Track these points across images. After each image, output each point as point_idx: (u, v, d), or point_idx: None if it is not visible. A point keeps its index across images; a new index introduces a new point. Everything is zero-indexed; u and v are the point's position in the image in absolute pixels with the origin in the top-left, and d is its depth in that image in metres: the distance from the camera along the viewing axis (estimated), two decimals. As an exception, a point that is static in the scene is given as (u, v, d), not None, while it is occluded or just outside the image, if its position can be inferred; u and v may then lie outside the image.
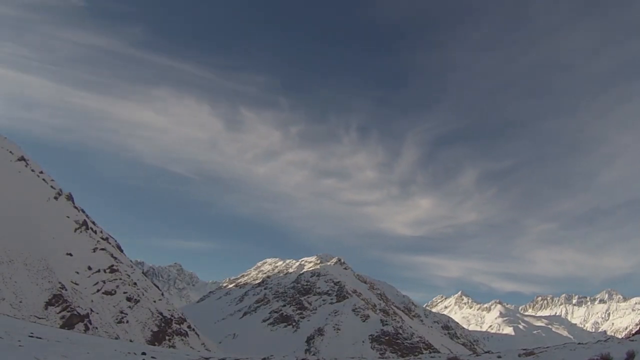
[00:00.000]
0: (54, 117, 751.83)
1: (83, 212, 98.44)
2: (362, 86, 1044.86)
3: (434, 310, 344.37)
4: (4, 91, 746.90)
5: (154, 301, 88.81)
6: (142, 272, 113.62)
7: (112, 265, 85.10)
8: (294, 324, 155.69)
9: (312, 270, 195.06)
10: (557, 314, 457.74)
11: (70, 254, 79.57)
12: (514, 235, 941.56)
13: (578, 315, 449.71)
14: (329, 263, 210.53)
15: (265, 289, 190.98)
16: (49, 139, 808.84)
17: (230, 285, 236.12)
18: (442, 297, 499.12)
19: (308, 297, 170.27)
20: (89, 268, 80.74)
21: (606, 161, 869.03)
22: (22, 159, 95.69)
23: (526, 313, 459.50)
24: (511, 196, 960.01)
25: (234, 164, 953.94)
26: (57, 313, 65.14)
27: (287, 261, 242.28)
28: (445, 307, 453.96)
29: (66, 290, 69.69)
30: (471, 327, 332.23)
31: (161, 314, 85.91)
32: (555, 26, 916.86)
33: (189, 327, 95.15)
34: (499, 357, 23.57)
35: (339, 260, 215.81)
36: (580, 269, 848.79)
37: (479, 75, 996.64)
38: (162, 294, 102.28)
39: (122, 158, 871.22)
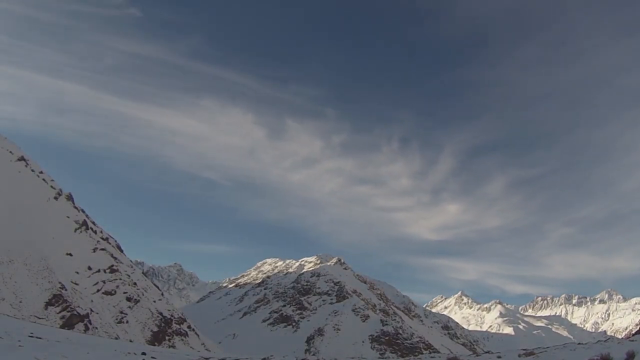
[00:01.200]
0: (88, 123, 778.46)
1: (83, 212, 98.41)
2: (408, 99, 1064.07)
3: (434, 310, 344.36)
4: (40, 97, 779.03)
5: (154, 301, 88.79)
6: (142, 272, 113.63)
7: (112, 266, 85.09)
8: (293, 324, 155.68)
9: (312, 270, 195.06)
10: (557, 314, 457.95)
11: (70, 254, 79.57)
12: (534, 240, 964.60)
13: (578, 316, 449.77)
14: (328, 263, 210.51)
15: (265, 289, 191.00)
16: (79, 144, 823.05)
17: (230, 286, 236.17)
18: (442, 297, 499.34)
19: (308, 297, 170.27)
20: (89, 268, 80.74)
21: (630, 169, 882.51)
22: (22, 159, 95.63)
23: (526, 313, 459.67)
24: (535, 202, 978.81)
25: (269, 171, 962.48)
26: (57, 313, 65.14)
27: (287, 261, 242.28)
28: (445, 308, 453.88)
29: (66, 290, 69.69)
30: (471, 327, 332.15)
31: (161, 314, 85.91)
32: (598, 44, 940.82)
33: (188, 327, 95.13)
34: (499, 357, 23.56)
35: (339, 260, 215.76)
36: (590, 270, 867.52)
37: (522, 90, 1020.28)
38: (162, 294, 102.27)
39: (153, 163, 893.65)
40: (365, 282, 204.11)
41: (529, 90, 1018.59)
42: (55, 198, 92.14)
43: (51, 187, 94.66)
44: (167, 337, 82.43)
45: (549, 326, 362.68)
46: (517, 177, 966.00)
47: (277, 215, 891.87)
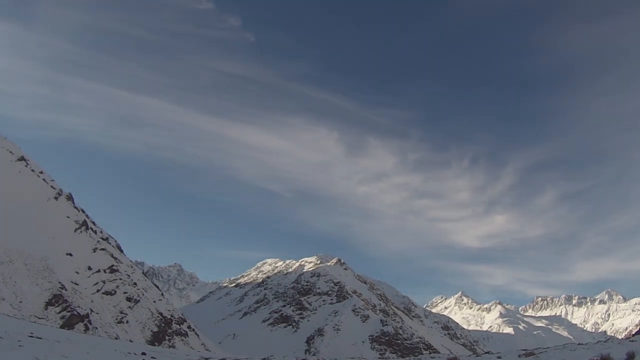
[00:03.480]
0: (156, 135, 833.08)
1: (83, 212, 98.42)
2: (487, 121, 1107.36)
3: (434, 310, 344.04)
4: (111, 109, 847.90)
5: (154, 301, 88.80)
6: (142, 273, 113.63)
7: (112, 266, 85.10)
8: (293, 324, 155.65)
9: (312, 270, 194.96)
10: (557, 314, 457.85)
11: (70, 254, 79.56)
12: (567, 248, 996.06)
13: (578, 316, 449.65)
14: (329, 263, 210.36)
15: (265, 289, 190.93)
16: (147, 155, 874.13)
17: (230, 286, 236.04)
18: (442, 297, 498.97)
19: (308, 298, 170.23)
20: (89, 268, 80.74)
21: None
22: (22, 159, 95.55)
23: (526, 313, 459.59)
24: (577, 214, 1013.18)
25: (337, 183, 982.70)
26: (57, 313, 65.14)
27: (287, 261, 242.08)
28: (445, 308, 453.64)
29: (66, 290, 69.69)
30: (471, 328, 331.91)
31: (161, 314, 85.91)
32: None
33: (188, 327, 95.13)
34: (499, 357, 23.56)
35: (339, 260, 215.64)
36: (612, 274, 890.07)
37: (595, 115, 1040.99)
38: (162, 294, 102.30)
39: (218, 175, 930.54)
40: (365, 283, 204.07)
41: (597, 115, 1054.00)
42: (56, 198, 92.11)
43: (51, 187, 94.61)
44: (167, 337, 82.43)
45: (549, 326, 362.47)
46: (565, 191, 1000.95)
47: (327, 225, 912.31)
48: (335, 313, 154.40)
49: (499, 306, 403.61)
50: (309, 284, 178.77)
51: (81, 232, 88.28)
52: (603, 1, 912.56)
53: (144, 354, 25.14)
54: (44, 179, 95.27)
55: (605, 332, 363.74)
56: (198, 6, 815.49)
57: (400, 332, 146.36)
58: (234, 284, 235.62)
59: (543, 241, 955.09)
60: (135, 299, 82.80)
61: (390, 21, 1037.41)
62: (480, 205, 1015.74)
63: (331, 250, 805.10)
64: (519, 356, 21.44)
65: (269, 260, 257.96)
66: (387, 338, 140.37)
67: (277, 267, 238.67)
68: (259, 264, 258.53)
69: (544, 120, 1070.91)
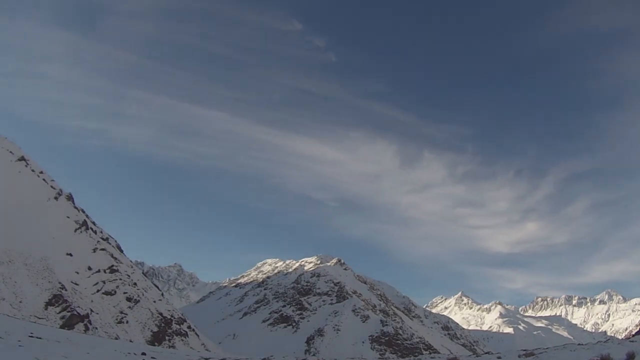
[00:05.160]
0: (213, 146, 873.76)
1: (83, 212, 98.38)
2: (537, 135, 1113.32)
3: (434, 311, 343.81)
4: (164, 119, 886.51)
5: (154, 301, 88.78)
6: (142, 273, 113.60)
7: (112, 266, 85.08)
8: (293, 324, 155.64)
9: (312, 270, 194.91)
10: (557, 314, 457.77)
11: (70, 254, 79.55)
12: (590, 253, 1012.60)
13: (578, 316, 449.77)
14: (329, 263, 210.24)
15: (265, 289, 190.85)
16: (188, 163, 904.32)
17: (230, 286, 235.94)
18: (442, 297, 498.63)
19: (308, 298, 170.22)
20: (89, 268, 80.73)
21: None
22: (22, 159, 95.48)
23: (526, 314, 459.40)
24: (604, 221, 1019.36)
25: (384, 193, 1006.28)
26: (57, 313, 65.14)
27: (287, 262, 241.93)
28: (445, 308, 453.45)
29: (66, 290, 69.69)
30: (471, 328, 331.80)
31: (161, 314, 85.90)
32: None
33: (188, 327, 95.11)
34: (499, 357, 23.56)
35: (339, 260, 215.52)
36: (623, 275, 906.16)
37: (636, 130, 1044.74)
38: (162, 295, 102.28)
39: (264, 183, 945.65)
40: (365, 283, 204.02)
41: None
42: (56, 198, 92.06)
43: (51, 187, 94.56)
44: (167, 338, 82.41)
45: (549, 327, 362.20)
46: (596, 200, 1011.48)
47: (362, 231, 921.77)
48: (335, 313, 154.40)
49: (499, 306, 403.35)
50: (309, 284, 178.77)
51: (81, 232, 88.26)
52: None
53: (144, 354, 25.15)
54: (44, 179, 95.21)
55: (605, 332, 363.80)
56: (287, 27, 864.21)
57: (400, 332, 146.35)
58: (234, 284, 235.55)
59: (567, 247, 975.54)
60: (135, 299, 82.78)
61: (461, 44, 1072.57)
62: (516, 213, 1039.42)
63: (357, 254, 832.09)
64: (519, 356, 21.44)
65: (269, 261, 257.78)
66: (387, 338, 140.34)
67: (277, 267, 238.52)
68: (259, 264, 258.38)
69: (592, 135, 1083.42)
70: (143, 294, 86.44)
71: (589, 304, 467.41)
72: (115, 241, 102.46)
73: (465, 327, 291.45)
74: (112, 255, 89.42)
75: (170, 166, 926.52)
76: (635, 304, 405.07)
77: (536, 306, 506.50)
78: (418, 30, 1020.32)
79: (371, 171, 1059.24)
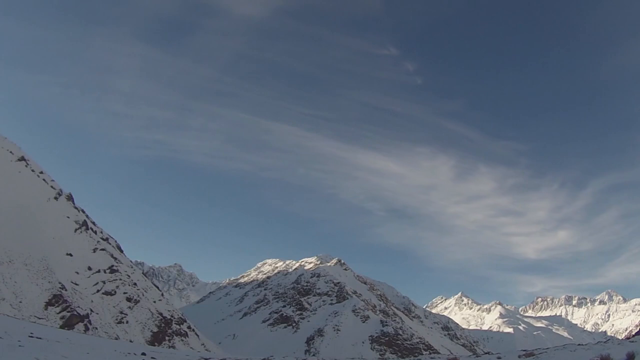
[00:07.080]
0: (275, 158, 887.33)
1: (83, 212, 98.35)
2: (585, 151, 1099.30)
3: (434, 311, 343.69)
4: (239, 135, 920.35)
5: (154, 301, 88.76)
6: (142, 273, 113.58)
7: (112, 266, 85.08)
8: (293, 324, 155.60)
9: (312, 270, 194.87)
10: (557, 314, 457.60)
11: (70, 254, 79.56)
12: (610, 258, 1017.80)
13: (578, 316, 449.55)
14: (329, 264, 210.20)
15: (265, 289, 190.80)
16: (251, 175, 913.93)
17: (230, 286, 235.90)
18: (442, 298, 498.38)
19: (308, 298, 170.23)
20: (89, 268, 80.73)
21: None
22: (22, 159, 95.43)
23: (526, 314, 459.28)
24: (630, 229, 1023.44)
25: (433, 203, 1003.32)
26: (57, 313, 65.14)
27: (287, 262, 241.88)
28: (445, 308, 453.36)
29: (66, 290, 69.69)
30: (471, 328, 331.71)
31: (161, 314, 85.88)
32: None
33: (188, 327, 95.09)
34: (499, 358, 23.55)
35: (339, 261, 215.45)
36: (622, 276, 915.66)
37: None
38: (162, 295, 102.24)
39: (317, 194, 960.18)
40: (365, 283, 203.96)
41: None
42: (56, 198, 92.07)
43: (51, 187, 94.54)
44: (167, 338, 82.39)
45: (549, 327, 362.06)
46: (628, 210, 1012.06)
47: (396, 238, 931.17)
48: (335, 313, 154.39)
49: (499, 307, 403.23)
50: (309, 284, 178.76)
51: (81, 232, 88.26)
52: None
53: (143, 354, 25.16)
54: (44, 179, 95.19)
55: (605, 332, 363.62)
56: (383, 52, 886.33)
57: (400, 332, 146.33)
58: (234, 284, 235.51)
59: (591, 254, 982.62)
60: (135, 299, 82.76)
61: (533, 62, 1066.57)
62: (552, 222, 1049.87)
63: (391, 258, 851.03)
64: (519, 357, 21.43)
65: (269, 261, 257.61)
66: (387, 338, 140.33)
67: (277, 267, 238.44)
68: (259, 264, 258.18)
69: (633, 150, 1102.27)
70: (143, 294, 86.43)
71: (589, 304, 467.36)
72: (115, 241, 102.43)
73: (465, 327, 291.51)
74: (112, 256, 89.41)
75: (229, 177, 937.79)
76: (635, 305, 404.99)
77: (536, 306, 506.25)
78: (499, 54, 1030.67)
79: (426, 184, 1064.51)
